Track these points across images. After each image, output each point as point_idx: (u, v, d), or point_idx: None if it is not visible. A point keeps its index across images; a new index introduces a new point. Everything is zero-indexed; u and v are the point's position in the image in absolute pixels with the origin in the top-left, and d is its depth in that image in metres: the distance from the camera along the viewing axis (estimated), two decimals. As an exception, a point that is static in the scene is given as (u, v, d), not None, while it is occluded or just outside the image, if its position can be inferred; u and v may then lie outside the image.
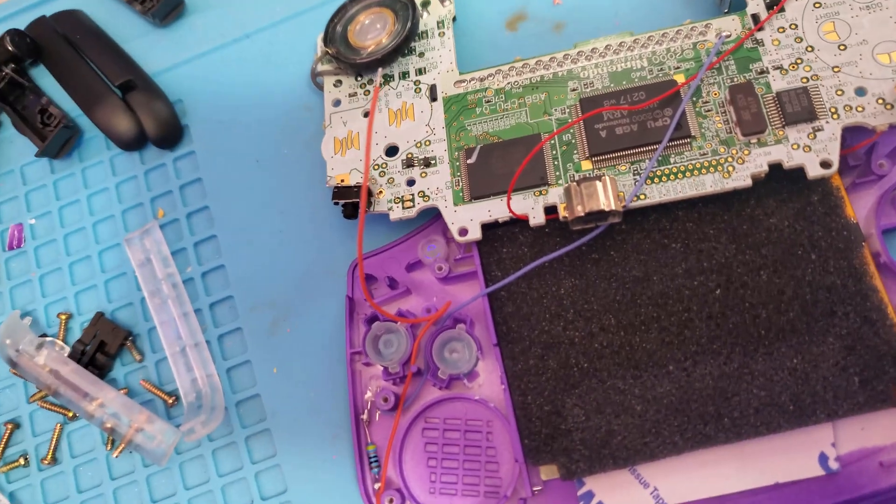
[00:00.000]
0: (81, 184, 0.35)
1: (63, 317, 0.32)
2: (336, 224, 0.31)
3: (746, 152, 0.26)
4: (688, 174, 0.26)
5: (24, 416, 0.32)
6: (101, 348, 0.31)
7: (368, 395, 0.28)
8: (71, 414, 0.31)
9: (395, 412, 0.28)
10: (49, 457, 0.31)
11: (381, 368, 0.28)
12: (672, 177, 0.26)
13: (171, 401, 0.31)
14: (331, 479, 0.28)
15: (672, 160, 0.27)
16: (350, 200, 0.28)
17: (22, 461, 0.31)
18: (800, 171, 0.26)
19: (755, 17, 0.28)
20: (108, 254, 0.33)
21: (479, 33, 0.33)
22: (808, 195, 0.27)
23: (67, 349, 0.31)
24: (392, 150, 0.30)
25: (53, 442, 0.31)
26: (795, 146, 0.26)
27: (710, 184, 0.26)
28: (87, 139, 0.35)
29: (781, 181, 0.27)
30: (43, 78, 0.37)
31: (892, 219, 0.27)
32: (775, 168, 0.26)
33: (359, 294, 0.29)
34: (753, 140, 0.26)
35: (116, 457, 0.30)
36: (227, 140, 0.33)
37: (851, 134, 0.27)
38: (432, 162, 0.29)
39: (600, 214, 0.26)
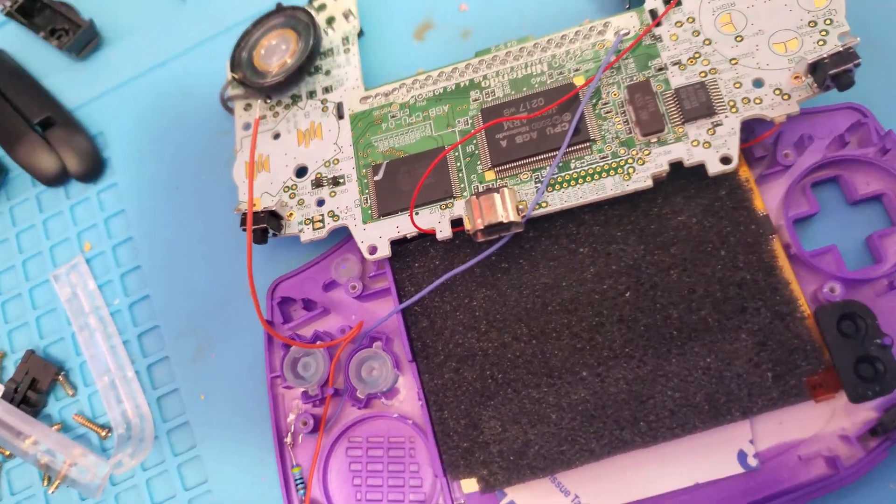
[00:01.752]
0: (9, 222, 0.35)
1: (-4, 356, 0.33)
2: (256, 247, 0.31)
3: (647, 152, 0.26)
4: (588, 179, 0.26)
5: (-35, 456, 0.32)
6: (33, 385, 0.31)
7: (291, 417, 0.29)
8: (7, 452, 0.32)
9: (318, 434, 0.28)
10: (-12, 496, 0.31)
11: (301, 391, 0.28)
12: (573, 182, 0.26)
13: (104, 433, 0.31)
14: (260, 502, 0.29)
15: (573, 165, 0.26)
16: (258, 226, 0.28)
17: (-35, 501, 0.31)
18: (703, 168, 0.25)
19: (653, 13, 0.28)
20: (39, 290, 0.34)
21: (388, 45, 0.32)
22: (715, 190, 0.26)
23: (1, 388, 0.32)
24: (302, 171, 0.30)
25: (-8, 481, 0.31)
26: (695, 143, 0.25)
27: (610, 187, 0.26)
28: (13, 177, 0.35)
29: (689, 177, 0.27)
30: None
31: (802, 208, 0.27)
32: (679, 165, 0.26)
33: (277, 318, 0.29)
34: (653, 139, 0.26)
35: (53, 493, 0.31)
36: (148, 169, 0.34)
37: (758, 124, 0.26)
38: (341, 181, 0.29)
39: (501, 226, 0.25)
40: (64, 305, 0.32)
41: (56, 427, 0.31)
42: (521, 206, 0.26)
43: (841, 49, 0.24)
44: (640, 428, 0.25)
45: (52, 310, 0.33)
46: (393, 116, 0.29)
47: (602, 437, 0.25)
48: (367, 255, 0.27)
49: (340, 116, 0.30)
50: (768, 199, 0.27)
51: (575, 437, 0.25)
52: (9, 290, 0.34)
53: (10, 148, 0.34)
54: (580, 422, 0.25)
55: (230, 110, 0.32)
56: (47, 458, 0.30)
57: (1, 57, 0.36)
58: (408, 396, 0.28)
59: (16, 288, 0.34)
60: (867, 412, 0.25)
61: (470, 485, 0.26)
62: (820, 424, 0.25)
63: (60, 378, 0.32)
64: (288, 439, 0.28)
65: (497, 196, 0.25)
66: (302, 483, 0.28)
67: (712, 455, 0.25)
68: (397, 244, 0.28)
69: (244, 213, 0.28)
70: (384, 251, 0.27)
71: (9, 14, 0.36)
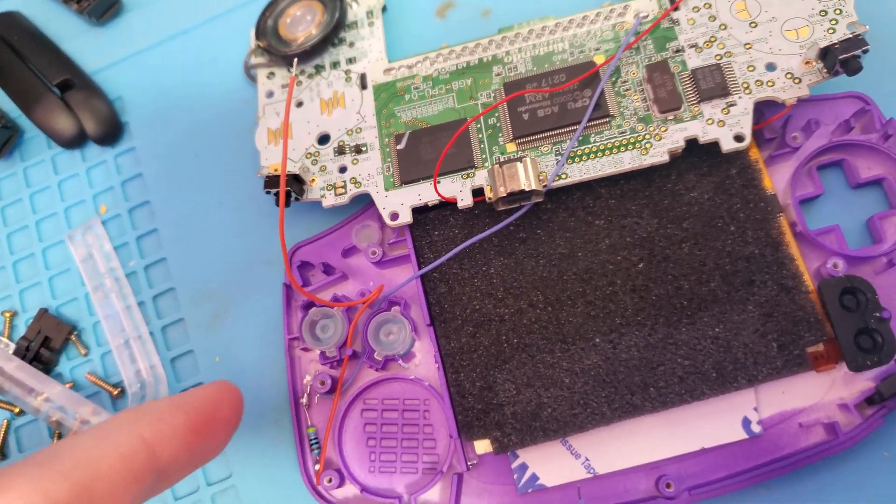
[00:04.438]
0: (23, 183, 0.35)
1: (7, 315, 0.33)
2: (273, 213, 0.32)
3: (664, 129, 0.27)
4: (607, 152, 0.27)
5: (-29, 414, 0.32)
6: (46, 344, 0.31)
7: (307, 379, 0.29)
8: (17, 410, 0.32)
9: (334, 395, 0.28)
10: (-4, 453, 0.31)
11: (319, 353, 0.28)
12: (592, 155, 0.27)
13: (116, 392, 0.31)
14: (274, 463, 0.29)
15: (592, 139, 0.27)
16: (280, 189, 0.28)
17: (-29, 458, 0.31)
18: (716, 146, 0.27)
19: (671, -2, 0.29)
20: (52, 251, 0.34)
21: (410, 22, 0.33)
22: (726, 169, 0.28)
23: (12, 346, 0.32)
24: (324, 139, 0.30)
25: (0, 438, 0.31)
26: (710, 121, 0.27)
27: (628, 161, 0.27)
28: (28, 139, 0.35)
29: (701, 156, 0.28)
30: (-19, 80, 0.37)
31: (807, 189, 0.28)
32: (693, 143, 0.27)
33: (296, 281, 0.30)
34: (670, 117, 0.27)
35: (63, 450, 0.31)
36: (167, 135, 0.34)
37: (768, 108, 0.28)
38: (363, 149, 0.29)
39: (522, 194, 0.26)
40: (79, 266, 0.32)
41: (68, 385, 0.31)
42: (542, 177, 0.27)
43: (851, 36, 0.26)
44: (650, 393, 0.26)
45: (66, 270, 0.33)
46: (416, 88, 0.30)
47: (613, 401, 0.26)
48: (388, 222, 0.28)
49: (364, 87, 0.31)
50: (776, 180, 0.28)
51: (587, 400, 0.26)
52: (21, 250, 0.34)
53: (27, 108, 0.34)
54: (592, 386, 0.26)
55: (253, 78, 0.32)
56: (59, 415, 0.30)
57: (18, 19, 0.36)
58: (424, 360, 0.29)
59: (28, 248, 0.34)
60: (864, 382, 0.26)
61: (483, 446, 0.27)
62: (820, 394, 0.26)
63: (73, 337, 0.32)
64: (304, 400, 0.29)
65: (520, 165, 0.26)
66: (317, 443, 0.28)
67: (718, 421, 0.26)
68: (417, 212, 0.28)
69: (267, 177, 0.29)
70: (406, 217, 0.28)
71: (28, -24, 0.36)
